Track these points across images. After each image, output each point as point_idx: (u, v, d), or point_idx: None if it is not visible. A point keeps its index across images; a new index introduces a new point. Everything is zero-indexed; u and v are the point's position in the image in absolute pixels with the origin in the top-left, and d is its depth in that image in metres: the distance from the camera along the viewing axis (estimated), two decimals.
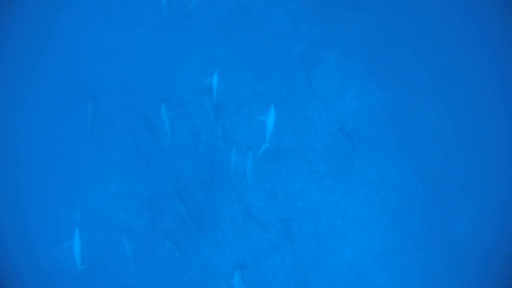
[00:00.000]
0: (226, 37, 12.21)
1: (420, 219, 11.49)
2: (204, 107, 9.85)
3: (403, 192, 11.66)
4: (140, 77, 11.92)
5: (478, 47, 11.50)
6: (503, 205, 11.34)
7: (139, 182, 11.65)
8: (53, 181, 11.85)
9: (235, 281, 9.94)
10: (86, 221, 11.44)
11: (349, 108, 11.97)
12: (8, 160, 11.78)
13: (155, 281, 11.34)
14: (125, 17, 12.17)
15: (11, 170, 11.75)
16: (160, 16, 11.42)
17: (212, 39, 12.21)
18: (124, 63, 12.03)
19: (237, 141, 11.20)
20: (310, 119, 12.20)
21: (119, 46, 12.17)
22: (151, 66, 12.08)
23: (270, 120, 9.60)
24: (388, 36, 11.96)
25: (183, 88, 11.86)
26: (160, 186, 11.55)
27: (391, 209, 11.55)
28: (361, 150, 11.96)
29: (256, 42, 12.31)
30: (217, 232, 11.74)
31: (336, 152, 12.02)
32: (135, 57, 12.08)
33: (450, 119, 11.65)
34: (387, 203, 11.60)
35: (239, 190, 11.91)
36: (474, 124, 11.51)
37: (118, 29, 12.18)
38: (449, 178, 11.62)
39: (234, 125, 12.02)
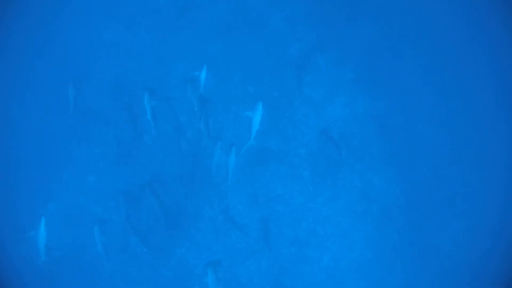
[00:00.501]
0: (220, 36, 11.97)
1: (401, 230, 11.38)
2: (188, 99, 9.48)
3: (385, 202, 11.52)
4: (129, 69, 11.60)
5: (470, 59, 11.46)
6: (486, 220, 11.31)
7: (118, 176, 11.34)
8: (31, 170, 11.47)
9: (209, 279, 9.69)
10: (60, 212, 11.12)
11: (338, 115, 11.82)
12: None
13: (127, 279, 11.05)
14: (120, 8, 11.86)
15: None
16: (156, 7, 11.26)
17: (206, 36, 11.95)
18: (114, 55, 11.72)
19: (222, 139, 10.89)
20: (298, 123, 12.03)
21: (111, 37, 11.84)
22: (141, 59, 11.78)
23: (256, 117, 9.32)
24: (382, 45, 11.86)
25: (171, 81, 11.61)
26: (138, 180, 11.25)
27: (372, 218, 11.43)
28: (347, 158, 11.91)
29: (250, 43, 12.09)
30: (194, 231, 11.49)
31: (321, 158, 11.85)
32: (126, 49, 11.78)
33: (438, 132, 11.59)
34: (369, 212, 11.48)
35: (220, 190, 11.70)
36: (462, 138, 11.48)
37: (111, 19, 11.85)
38: (432, 191, 11.53)
39: (221, 124, 11.88)
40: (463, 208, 11.62)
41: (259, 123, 9.34)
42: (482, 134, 11.72)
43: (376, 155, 11.78)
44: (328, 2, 11.78)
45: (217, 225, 11.66)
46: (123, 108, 11.11)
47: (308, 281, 11.30)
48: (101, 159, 11.39)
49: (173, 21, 11.89)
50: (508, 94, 11.55)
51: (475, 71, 11.47)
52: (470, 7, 11.07)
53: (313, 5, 11.88)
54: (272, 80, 11.89)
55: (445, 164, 11.48)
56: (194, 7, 11.77)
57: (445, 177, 11.46)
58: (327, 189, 11.81)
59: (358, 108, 11.88)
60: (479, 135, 11.75)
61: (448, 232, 11.57)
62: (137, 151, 11.35)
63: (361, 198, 11.62)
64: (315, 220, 11.68)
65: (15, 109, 11.51)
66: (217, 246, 11.61)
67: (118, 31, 11.87)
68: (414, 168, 11.66)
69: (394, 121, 11.79)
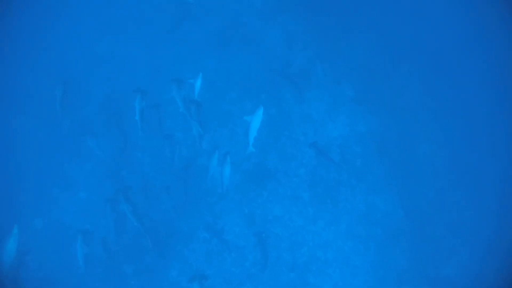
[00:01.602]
0: (216, 49, 11.82)
1: (405, 256, 10.75)
2: (173, 99, 9.07)
3: (390, 226, 10.95)
4: (122, 83, 11.33)
5: (473, 77, 11.21)
6: (494, 249, 10.69)
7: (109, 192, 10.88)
8: (19, 184, 11.08)
9: None
10: (46, 230, 10.59)
11: (338, 134, 11.45)
12: None
13: None
14: (113, 20, 11.83)
15: None
16: (151, 18, 11.20)
17: (201, 50, 11.81)
18: (106, 68, 11.54)
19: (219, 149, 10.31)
20: (297, 142, 11.63)
21: (104, 50, 11.69)
22: (134, 72, 11.56)
23: (256, 122, 8.64)
24: (382, 62, 11.68)
25: (165, 96, 11.36)
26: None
27: (376, 243, 10.82)
28: (349, 179, 11.45)
29: (246, 57, 11.92)
30: (187, 252, 10.90)
31: (321, 179, 11.41)
32: (118, 62, 11.62)
33: (444, 152, 11.20)
34: (372, 237, 10.88)
35: (215, 210, 11.22)
36: (467, 160, 11.06)
37: (105, 32, 11.76)
38: (439, 215, 11.01)
39: (217, 140, 11.52)
40: (472, 234, 11.06)
41: (258, 129, 8.72)
42: (486, 156, 11.33)
43: (379, 176, 11.30)
44: (326, 19, 11.71)
45: (211, 246, 11.13)
46: (113, 122, 10.77)
47: None
48: (92, 174, 11.03)
49: (168, 33, 11.81)
50: None
51: (479, 89, 11.20)
52: (471, 24, 10.93)
53: (310, 21, 11.80)
54: (269, 96, 11.62)
55: (450, 187, 11.01)
56: (190, 20, 11.71)
57: (450, 201, 10.98)
58: (328, 211, 11.26)
59: (359, 127, 11.52)
60: (484, 157, 11.36)
61: (457, 259, 10.94)
62: (126, 164, 11.02)
63: (364, 221, 11.04)
64: (316, 244, 11.03)
65: (5, 122, 11.24)
66: (211, 269, 10.96)
67: (111, 43, 11.76)
68: (418, 190, 11.16)
69: (397, 141, 11.42)
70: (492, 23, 10.83)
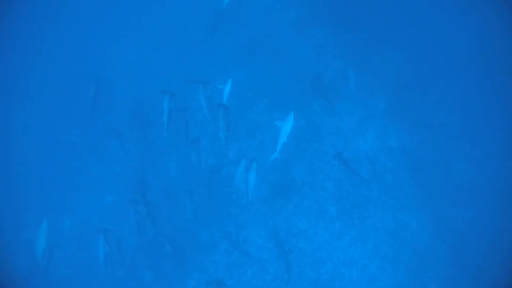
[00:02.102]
0: (248, 60, 11.90)
1: (438, 281, 9.94)
2: (198, 100, 9.00)
3: (421, 248, 10.23)
4: (153, 88, 11.46)
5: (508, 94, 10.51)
6: None
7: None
8: (52, 186, 11.37)
9: None
10: (74, 230, 10.82)
11: (369, 147, 11.04)
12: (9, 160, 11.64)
13: None
14: (152, 26, 12.23)
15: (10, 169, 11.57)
16: (183, 27, 11.50)
17: (234, 59, 11.93)
18: (140, 73, 11.90)
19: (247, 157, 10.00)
20: (325, 155, 11.32)
21: (136, 57, 12.13)
22: (166, 79, 11.75)
23: (286, 128, 8.48)
24: (419, 77, 11.26)
25: (194, 104, 11.48)
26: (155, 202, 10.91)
27: (404, 264, 10.12)
28: (378, 195, 10.93)
29: (278, 69, 11.91)
30: (208, 263, 10.71)
31: (349, 193, 11.00)
32: (152, 68, 11.92)
33: (482, 170, 10.46)
34: (400, 258, 10.19)
35: (238, 221, 11.04)
36: (510, 178, 10.23)
37: (141, 37, 12.25)
38: (477, 238, 10.19)
39: (244, 151, 11.42)
40: None
41: (288, 135, 8.54)
42: None
43: (410, 193, 10.70)
44: (359, 32, 11.53)
45: (232, 258, 10.91)
46: (140, 126, 10.97)
47: None
48: (119, 178, 11.23)
49: (200, 42, 12.03)
50: None
51: None
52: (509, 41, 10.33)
53: (342, 33, 11.66)
54: (299, 107, 11.47)
55: (489, 208, 10.17)
56: (222, 30, 11.88)
57: (489, 222, 10.10)
58: (355, 227, 10.75)
59: (391, 141, 11.06)
60: None
61: None
62: (152, 169, 11.14)
63: (393, 240, 10.42)
64: (340, 261, 10.52)
65: (41, 122, 11.77)
66: (231, 281, 10.70)
67: (144, 50, 12.15)
68: (453, 210, 10.43)
69: (431, 157, 10.82)
70: None
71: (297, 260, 10.68)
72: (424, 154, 10.85)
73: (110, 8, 11.97)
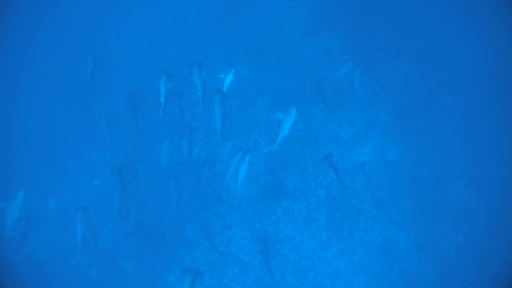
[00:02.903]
0: (253, 58, 11.59)
1: None
2: (192, 82, 8.65)
3: (409, 268, 9.93)
4: (153, 77, 11.41)
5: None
6: None
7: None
8: (42, 165, 11.26)
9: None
10: (56, 212, 10.66)
11: (366, 159, 10.71)
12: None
13: None
14: (157, 16, 12.04)
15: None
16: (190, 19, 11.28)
17: (239, 56, 11.58)
18: (142, 62, 11.65)
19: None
20: (321, 162, 11.04)
21: (143, 45, 11.86)
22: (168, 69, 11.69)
23: (288, 121, 8.34)
24: (426, 91, 10.91)
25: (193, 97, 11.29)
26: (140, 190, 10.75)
27: (390, 283, 9.83)
28: (370, 208, 10.63)
29: (282, 70, 11.60)
30: (189, 260, 10.48)
31: (341, 204, 10.69)
32: (155, 58, 11.58)
33: (480, 194, 10.10)
34: (386, 275, 9.91)
35: (224, 219, 10.82)
36: (508, 204, 9.85)
37: (147, 27, 12.02)
38: (468, 264, 9.84)
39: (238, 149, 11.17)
40: None
41: (289, 129, 8.37)
42: None
43: (404, 210, 10.37)
44: (369, 40, 11.20)
45: (214, 257, 10.66)
46: (135, 114, 10.69)
47: None
48: (110, 163, 11.04)
49: (206, 36, 11.83)
50: None
51: None
52: None
53: (352, 40, 11.33)
54: (299, 110, 11.13)
55: (483, 233, 9.82)
56: (229, 25, 11.65)
57: (482, 248, 9.75)
58: (343, 239, 10.44)
59: (389, 155, 10.73)
60: None
61: None
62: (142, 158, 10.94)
63: (380, 257, 10.12)
64: (324, 273, 10.22)
65: (43, 103, 11.65)
66: (210, 281, 10.46)
67: (148, 39, 11.92)
68: (446, 232, 10.11)
69: (428, 175, 10.49)
70: None
71: (280, 267, 10.44)
72: (422, 172, 10.51)
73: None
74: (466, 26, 10.63)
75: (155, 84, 8.49)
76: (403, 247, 10.11)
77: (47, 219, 10.83)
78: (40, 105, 11.51)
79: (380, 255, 10.10)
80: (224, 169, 10.17)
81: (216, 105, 8.01)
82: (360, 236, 10.36)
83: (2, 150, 10.82)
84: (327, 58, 11.40)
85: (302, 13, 11.91)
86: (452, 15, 10.78)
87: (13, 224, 8.36)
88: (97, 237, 9.64)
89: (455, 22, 10.75)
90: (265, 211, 10.92)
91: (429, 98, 10.98)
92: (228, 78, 8.83)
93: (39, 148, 11.13)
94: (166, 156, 10.35)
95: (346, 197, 10.57)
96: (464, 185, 10.26)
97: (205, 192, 10.92)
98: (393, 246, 10.16)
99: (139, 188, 10.94)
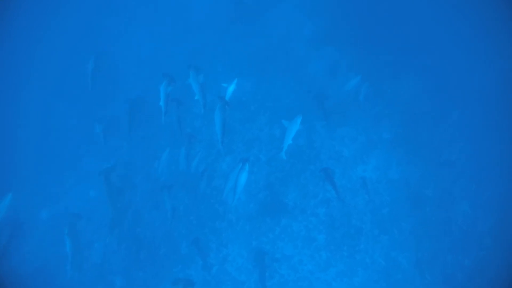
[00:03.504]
0: (258, 71, 11.50)
1: None
2: (189, 86, 8.52)
3: None
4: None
5: None
6: None
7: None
8: (37, 173, 11.15)
9: None
10: (49, 222, 10.43)
11: (368, 177, 10.36)
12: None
13: None
14: (165, 25, 12.12)
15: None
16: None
17: (243, 68, 11.51)
18: (147, 70, 11.62)
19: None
20: (322, 179, 10.73)
21: (148, 53, 11.93)
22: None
23: (292, 129, 8.41)
24: (428, 107, 10.65)
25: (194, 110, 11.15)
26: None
27: None
28: (371, 228, 10.23)
29: (287, 85, 11.44)
30: (183, 276, 10.13)
31: (341, 223, 10.31)
32: (159, 66, 11.62)
33: (486, 217, 9.65)
34: None
35: (221, 236, 10.47)
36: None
37: (154, 36, 12.11)
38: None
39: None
40: None
41: (293, 137, 8.40)
42: None
43: (406, 231, 9.96)
44: (375, 56, 11.06)
45: (209, 275, 10.25)
46: (133, 122, 10.58)
47: None
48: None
49: (212, 47, 11.77)
50: None
51: None
52: None
53: (357, 55, 11.19)
54: (301, 126, 10.96)
55: (491, 258, 9.32)
56: (236, 37, 11.65)
57: (490, 274, 9.24)
58: (343, 260, 10.01)
59: (392, 173, 10.39)
60: None
61: None
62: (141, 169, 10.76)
63: (382, 279, 9.65)
64: None
65: (46, 108, 11.60)
66: None
67: (152, 46, 11.94)
68: (452, 256, 9.64)
69: (432, 195, 10.09)
70: None
71: (276, 287, 10.05)
72: (426, 191, 10.13)
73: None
74: (473, 44, 10.50)
75: (157, 90, 8.52)
76: (405, 270, 9.63)
77: (39, 230, 10.67)
78: (41, 109, 11.51)
79: (382, 277, 9.63)
80: (223, 182, 10.07)
81: (217, 112, 7.89)
82: (360, 257, 9.92)
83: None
84: (332, 73, 11.35)
85: (308, 27, 11.89)
86: (459, 32, 10.69)
87: None
88: (83, 252, 9.35)
89: (462, 40, 10.64)
90: (263, 229, 10.56)
91: (434, 115, 10.73)
92: (231, 88, 8.84)
93: (36, 154, 11.04)
94: (164, 168, 10.20)
95: (347, 216, 10.25)
96: (470, 206, 9.85)
97: (202, 207, 10.73)
98: (395, 268, 9.70)
99: (135, 200, 10.83)
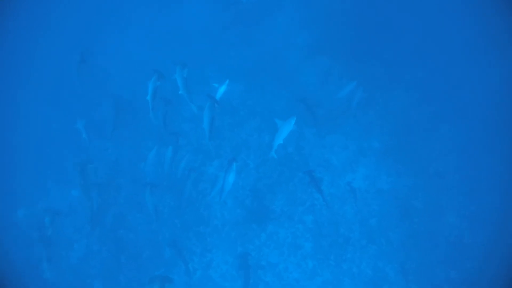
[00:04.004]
0: (249, 77, 11.41)
1: None
2: (174, 81, 8.48)
3: None
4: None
5: None
6: None
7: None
8: (16, 170, 10.78)
9: None
10: (25, 223, 10.10)
11: (357, 186, 10.24)
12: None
13: None
14: (162, 31, 12.00)
15: None
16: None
17: (235, 75, 11.31)
18: (135, 74, 11.33)
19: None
20: (310, 187, 10.56)
21: (143, 58, 11.66)
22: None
23: (285, 129, 8.24)
24: (421, 120, 10.65)
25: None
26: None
27: None
28: (359, 238, 10.10)
29: (278, 92, 11.35)
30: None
31: (329, 231, 10.16)
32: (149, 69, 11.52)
33: (475, 229, 9.61)
34: None
35: (206, 241, 10.21)
36: (504, 240, 9.35)
37: (149, 40, 11.96)
38: None
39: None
40: None
41: (284, 138, 8.22)
42: None
43: (394, 242, 9.83)
44: (366, 63, 11.08)
45: (192, 281, 9.97)
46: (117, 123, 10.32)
47: None
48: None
49: (205, 54, 11.63)
50: None
51: None
52: None
53: (348, 65, 11.16)
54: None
55: (478, 270, 9.23)
56: (229, 45, 11.60)
57: (477, 286, 9.15)
58: (329, 269, 9.83)
59: (381, 183, 10.30)
60: None
61: None
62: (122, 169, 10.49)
63: None
64: None
65: (33, 111, 11.28)
66: None
67: (144, 50, 11.73)
68: (439, 267, 9.52)
69: (421, 206, 10.00)
70: None
71: None
72: (415, 202, 10.05)
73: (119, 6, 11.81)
74: (466, 58, 10.60)
75: (145, 86, 8.40)
76: (392, 281, 9.47)
77: (13, 230, 10.29)
78: (25, 107, 11.20)
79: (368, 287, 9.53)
80: (210, 186, 9.93)
81: (206, 109, 7.87)
82: (347, 266, 9.75)
83: None
84: (324, 81, 11.33)
85: (301, 37, 11.89)
86: (451, 46, 10.80)
87: None
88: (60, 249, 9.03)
89: (454, 54, 10.75)
90: (249, 235, 10.35)
91: (425, 127, 10.74)
92: (222, 88, 8.76)
93: (16, 151, 10.71)
94: (151, 167, 9.97)
95: (335, 225, 10.10)
96: (458, 218, 9.76)
97: (187, 210, 10.49)
98: (382, 279, 9.53)
99: (119, 202, 10.53)
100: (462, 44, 10.76)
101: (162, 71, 7.98)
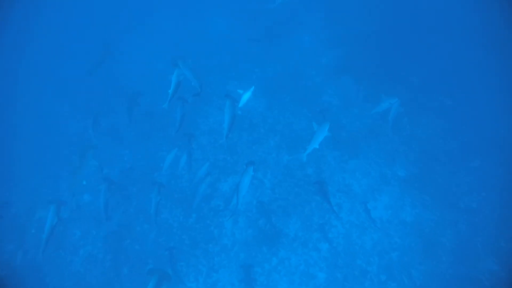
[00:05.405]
0: (271, 93, 11.18)
1: None
2: (168, 82, 8.28)
3: None
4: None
5: None
6: None
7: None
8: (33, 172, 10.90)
9: None
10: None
11: (378, 215, 9.56)
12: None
13: None
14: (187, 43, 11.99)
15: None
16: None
17: (256, 89, 11.17)
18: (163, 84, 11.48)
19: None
20: (327, 212, 9.92)
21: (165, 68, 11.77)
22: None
23: (320, 134, 8.16)
24: (448, 147, 9.89)
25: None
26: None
27: None
28: (378, 273, 9.22)
29: (298, 110, 11.04)
30: None
31: (345, 262, 9.34)
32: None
33: (502, 266, 8.50)
34: None
35: (214, 261, 9.63)
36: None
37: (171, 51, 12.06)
38: None
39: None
40: None
41: (319, 143, 8.13)
42: None
43: (417, 280, 8.88)
44: (390, 87, 10.54)
45: None
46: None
47: None
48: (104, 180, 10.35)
49: (228, 69, 11.52)
50: None
51: None
52: None
53: (373, 88, 10.66)
54: (311, 154, 10.32)
55: None
56: (253, 62, 11.38)
57: None
58: None
59: (405, 214, 9.51)
60: None
61: None
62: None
63: None
64: None
65: (47, 103, 11.47)
66: None
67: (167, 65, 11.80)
68: None
69: (449, 244, 9.06)
70: None
71: None
72: (442, 239, 9.17)
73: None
74: (499, 89, 9.87)
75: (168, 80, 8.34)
76: None
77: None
78: (46, 110, 11.39)
79: None
80: (222, 203, 9.54)
81: (226, 109, 7.99)
82: None
83: None
84: (348, 104, 10.85)
85: (326, 57, 11.61)
86: (484, 74, 10.11)
87: None
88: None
89: (487, 83, 10.04)
90: (259, 258, 9.79)
91: (453, 159, 9.96)
92: (247, 95, 8.61)
93: (34, 152, 10.80)
94: (168, 169, 9.78)
95: (352, 255, 9.34)
96: (496, 263, 8.69)
97: (196, 227, 10.09)
98: None
99: (129, 212, 10.28)
100: (495, 74, 10.04)
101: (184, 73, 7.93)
